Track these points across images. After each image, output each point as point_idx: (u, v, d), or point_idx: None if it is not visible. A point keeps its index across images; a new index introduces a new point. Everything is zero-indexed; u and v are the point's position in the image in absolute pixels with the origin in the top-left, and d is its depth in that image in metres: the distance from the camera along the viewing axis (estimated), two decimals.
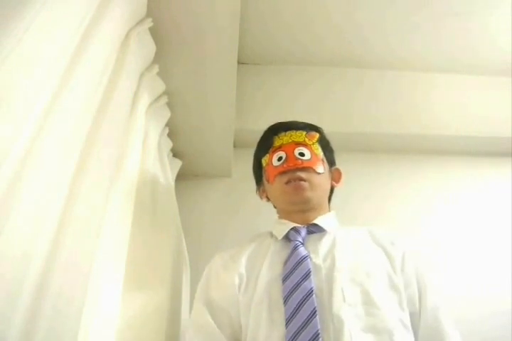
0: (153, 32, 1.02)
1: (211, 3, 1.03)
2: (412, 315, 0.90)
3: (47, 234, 0.60)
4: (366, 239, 1.01)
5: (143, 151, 1.09)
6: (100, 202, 0.77)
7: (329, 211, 1.09)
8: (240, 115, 1.57)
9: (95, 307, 0.77)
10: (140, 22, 0.97)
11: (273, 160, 1.04)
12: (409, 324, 0.88)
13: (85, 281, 0.69)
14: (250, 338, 0.87)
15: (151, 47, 1.05)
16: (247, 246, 1.05)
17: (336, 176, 1.11)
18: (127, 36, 0.93)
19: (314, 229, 1.00)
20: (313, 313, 0.82)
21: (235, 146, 1.69)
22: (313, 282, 0.88)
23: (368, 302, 0.86)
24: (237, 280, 0.95)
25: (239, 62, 1.41)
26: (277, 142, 1.06)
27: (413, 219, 1.68)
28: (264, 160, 1.08)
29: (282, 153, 1.03)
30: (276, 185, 1.03)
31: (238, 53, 1.22)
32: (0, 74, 0.52)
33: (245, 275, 0.96)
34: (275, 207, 1.13)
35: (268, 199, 1.12)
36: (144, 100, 1.09)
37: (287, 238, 1.00)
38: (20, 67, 0.55)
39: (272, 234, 1.06)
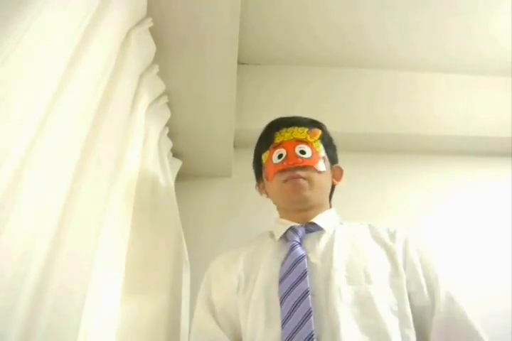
0: (153, 32, 1.02)
1: (211, 3, 1.03)
2: (422, 309, 0.87)
3: (47, 234, 0.60)
4: (366, 236, 0.99)
5: (143, 151, 1.09)
6: (100, 202, 0.77)
7: (329, 208, 1.07)
8: (240, 115, 1.57)
9: (95, 306, 0.77)
10: (140, 22, 0.97)
11: (273, 157, 1.02)
12: (411, 322, 0.84)
13: (85, 281, 0.69)
14: (248, 338, 0.87)
15: (151, 47, 1.05)
16: (247, 246, 1.04)
17: (337, 174, 1.10)
18: (127, 36, 0.93)
19: (312, 228, 0.99)
20: (309, 314, 0.81)
21: (235, 146, 1.69)
22: (311, 282, 0.87)
23: (366, 302, 0.84)
24: (235, 282, 0.94)
25: (239, 62, 1.41)
26: (278, 138, 1.04)
27: (413, 219, 1.67)
28: (265, 157, 1.06)
29: (283, 151, 1.01)
30: (275, 183, 1.02)
31: (238, 53, 1.22)
32: (0, 74, 0.52)
33: (243, 276, 0.95)
34: (275, 204, 1.12)
35: (267, 195, 1.11)
36: (144, 100, 1.09)
37: (285, 238, 0.99)
38: (20, 67, 0.55)
39: (272, 234, 1.05)
